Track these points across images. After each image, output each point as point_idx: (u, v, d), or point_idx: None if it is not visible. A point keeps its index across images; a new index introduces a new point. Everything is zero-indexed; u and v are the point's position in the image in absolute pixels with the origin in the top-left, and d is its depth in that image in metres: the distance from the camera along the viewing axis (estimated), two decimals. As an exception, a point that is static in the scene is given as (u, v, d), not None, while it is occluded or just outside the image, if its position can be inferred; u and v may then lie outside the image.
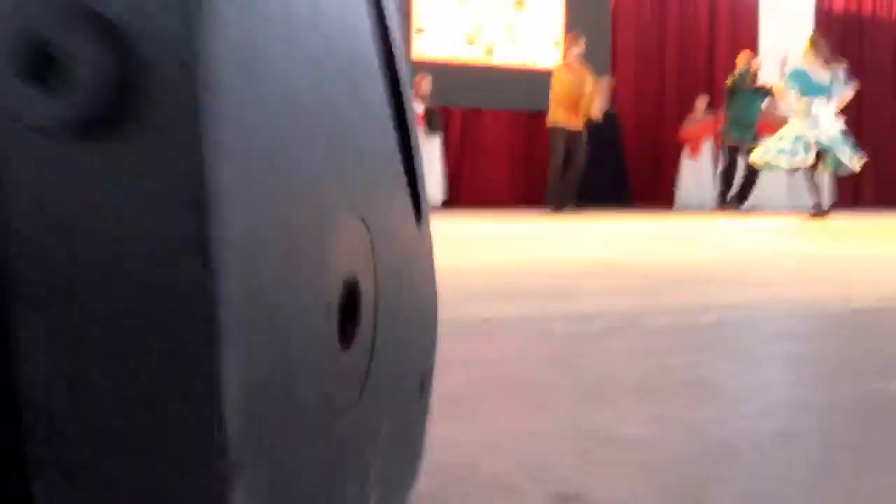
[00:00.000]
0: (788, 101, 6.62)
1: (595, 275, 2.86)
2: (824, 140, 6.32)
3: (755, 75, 8.76)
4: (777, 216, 7.91)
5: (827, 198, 6.88)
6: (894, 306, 2.12)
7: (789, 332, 1.83)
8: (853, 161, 6.42)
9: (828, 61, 6.53)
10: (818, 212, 6.82)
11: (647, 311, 1.97)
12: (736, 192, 8.77)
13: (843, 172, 6.59)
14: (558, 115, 7.92)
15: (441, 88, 8.96)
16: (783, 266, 3.31)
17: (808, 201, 9.65)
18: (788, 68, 6.61)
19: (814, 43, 6.63)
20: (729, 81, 8.86)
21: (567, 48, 8.16)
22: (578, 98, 7.95)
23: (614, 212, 8.42)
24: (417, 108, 8.39)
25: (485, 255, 3.60)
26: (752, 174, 8.61)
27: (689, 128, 10.05)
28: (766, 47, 10.64)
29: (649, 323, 1.83)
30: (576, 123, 7.96)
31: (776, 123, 7.77)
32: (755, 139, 8.04)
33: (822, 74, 6.50)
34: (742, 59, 8.84)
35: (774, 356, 1.56)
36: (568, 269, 3.07)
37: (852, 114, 6.59)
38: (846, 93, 6.49)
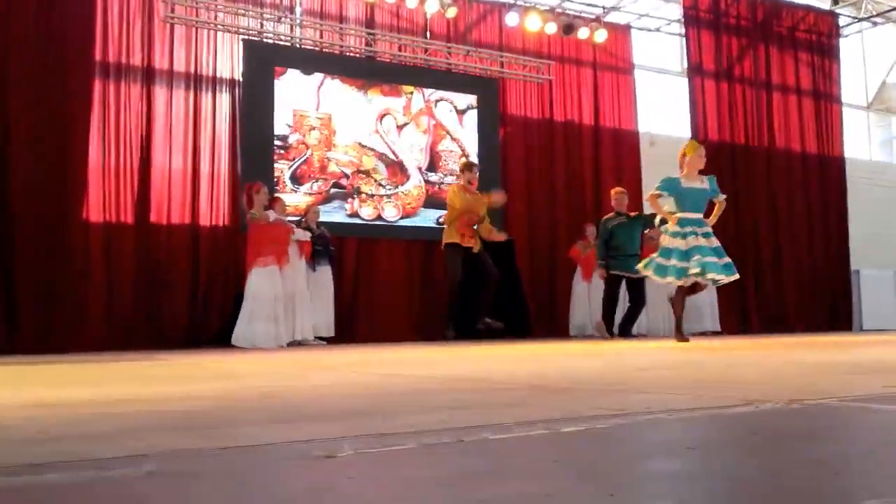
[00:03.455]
0: (657, 208, 6.38)
1: (453, 390, 2.38)
2: (695, 255, 6.09)
3: (623, 206, 8.65)
4: (666, 340, 7.71)
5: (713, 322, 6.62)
6: (793, 408, 1.71)
7: (677, 443, 1.37)
8: (727, 276, 6.21)
9: (703, 171, 6.42)
10: (679, 335, 6.46)
11: (490, 425, 1.49)
12: (622, 320, 8.53)
13: (720, 283, 6.36)
14: (455, 235, 7.69)
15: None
16: (668, 375, 2.91)
17: (699, 327, 9.59)
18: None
19: (696, 146, 6.52)
20: (602, 221, 8.69)
21: (462, 174, 8.03)
22: (475, 220, 7.78)
23: (512, 341, 8.12)
24: (305, 236, 7.98)
25: (333, 377, 3.10)
26: (637, 303, 8.41)
27: (583, 252, 9.94)
28: (649, 176, 10.83)
29: (488, 437, 1.35)
30: (474, 244, 7.75)
31: (655, 247, 7.62)
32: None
33: (696, 182, 6.36)
34: (612, 195, 8.79)
35: (657, 478, 1.10)
36: (423, 385, 2.59)
37: (731, 241, 6.41)
38: (720, 199, 6.35)
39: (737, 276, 6.30)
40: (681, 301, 6.45)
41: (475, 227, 7.84)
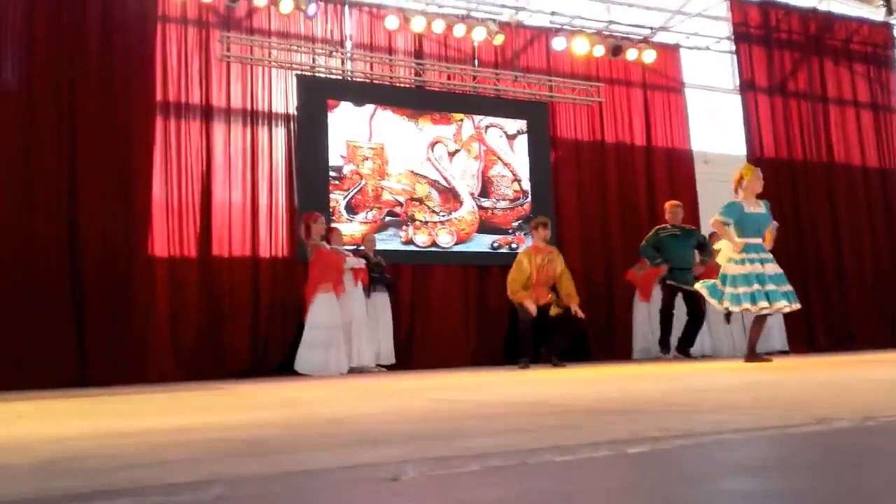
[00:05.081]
0: (727, 235, 6.25)
1: (515, 414, 2.37)
2: (765, 280, 5.99)
3: (678, 219, 8.62)
4: (731, 361, 7.53)
5: (779, 339, 6.48)
6: (867, 426, 1.66)
7: (748, 462, 1.34)
8: (790, 305, 6.09)
9: (760, 194, 6.32)
10: (751, 357, 6.32)
11: (553, 447, 1.48)
12: (681, 338, 8.37)
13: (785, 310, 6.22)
14: (523, 296, 7.88)
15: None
16: (735, 395, 2.84)
17: (767, 346, 9.39)
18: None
19: (753, 169, 6.42)
20: (654, 230, 8.71)
21: (535, 232, 8.19)
22: (548, 279, 8.01)
23: (573, 365, 8.08)
24: (359, 263, 8.05)
25: (395, 402, 3.11)
26: (696, 318, 8.26)
27: (638, 273, 9.84)
28: (704, 195, 10.68)
29: (552, 460, 1.34)
30: (550, 302, 7.99)
31: (715, 269, 7.50)
32: (694, 282, 7.77)
33: (757, 206, 6.27)
34: (667, 208, 8.75)
35: (730, 498, 1.08)
36: (485, 410, 2.58)
37: (793, 259, 6.26)
38: (773, 226, 6.25)
39: (799, 306, 6.18)
40: (758, 329, 6.33)
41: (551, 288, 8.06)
